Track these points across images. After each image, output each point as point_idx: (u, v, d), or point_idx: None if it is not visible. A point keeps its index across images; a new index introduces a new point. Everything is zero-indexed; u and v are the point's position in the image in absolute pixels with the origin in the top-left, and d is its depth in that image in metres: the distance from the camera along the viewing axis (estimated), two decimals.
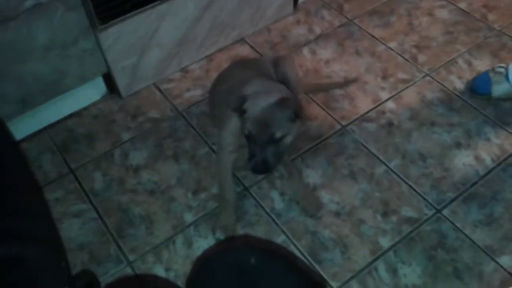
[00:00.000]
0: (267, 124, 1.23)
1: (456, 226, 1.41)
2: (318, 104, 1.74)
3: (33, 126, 1.71)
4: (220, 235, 1.43)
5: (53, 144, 1.69)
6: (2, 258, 0.69)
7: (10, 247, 0.71)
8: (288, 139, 1.28)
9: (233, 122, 1.37)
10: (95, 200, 1.53)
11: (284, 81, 1.49)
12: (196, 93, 1.82)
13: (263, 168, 1.26)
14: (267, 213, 1.48)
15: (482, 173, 1.53)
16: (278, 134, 1.24)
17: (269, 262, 0.76)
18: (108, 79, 1.77)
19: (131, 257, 1.40)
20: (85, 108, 1.79)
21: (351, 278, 1.34)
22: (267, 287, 0.71)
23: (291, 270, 0.78)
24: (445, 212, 1.45)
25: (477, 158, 1.57)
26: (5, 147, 0.94)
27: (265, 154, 1.24)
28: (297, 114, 1.25)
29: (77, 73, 1.64)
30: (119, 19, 1.60)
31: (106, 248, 1.42)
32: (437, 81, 1.80)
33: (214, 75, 1.85)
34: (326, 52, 1.93)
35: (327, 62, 1.89)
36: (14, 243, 0.72)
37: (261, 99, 1.25)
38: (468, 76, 1.80)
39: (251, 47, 1.96)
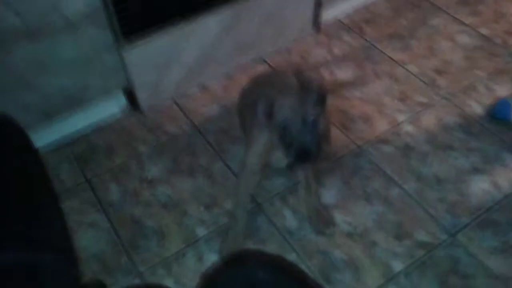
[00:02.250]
0: (297, 110, 1.20)
1: (470, 252, 1.39)
2: (334, 124, 1.75)
3: (53, 136, 1.76)
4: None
5: (72, 154, 1.73)
6: (16, 264, 0.71)
7: (24, 254, 0.73)
8: (321, 124, 1.24)
9: (260, 142, 1.36)
10: (109, 210, 1.56)
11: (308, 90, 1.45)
12: (214, 110, 1.85)
13: (305, 155, 1.19)
14: (278, 230, 1.48)
15: (498, 199, 1.50)
16: (310, 116, 1.19)
17: (278, 277, 0.75)
18: (129, 93, 1.81)
19: (142, 269, 1.41)
20: (105, 121, 1.83)
21: None
22: None
23: (301, 287, 0.78)
24: (459, 237, 1.42)
25: (494, 183, 1.54)
26: (25, 154, 0.96)
27: (304, 140, 1.19)
28: (322, 98, 1.23)
29: (100, 87, 1.69)
30: (143, 37, 1.65)
31: (117, 258, 1.44)
32: (456, 105, 1.78)
33: (233, 93, 1.88)
34: (344, 73, 1.94)
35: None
36: (27, 249, 0.74)
37: (286, 95, 1.23)
38: (487, 101, 1.78)
39: (270, 66, 1.99)
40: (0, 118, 0.94)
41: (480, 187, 1.53)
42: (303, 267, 1.39)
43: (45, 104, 1.61)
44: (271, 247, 1.43)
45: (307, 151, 1.19)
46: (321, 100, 1.23)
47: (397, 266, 1.38)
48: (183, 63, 1.81)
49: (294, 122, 1.20)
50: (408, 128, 1.73)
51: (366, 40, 2.08)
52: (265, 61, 2.01)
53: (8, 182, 0.84)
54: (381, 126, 1.74)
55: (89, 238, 1.48)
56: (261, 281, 0.74)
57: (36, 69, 1.53)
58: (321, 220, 1.47)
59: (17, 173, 0.89)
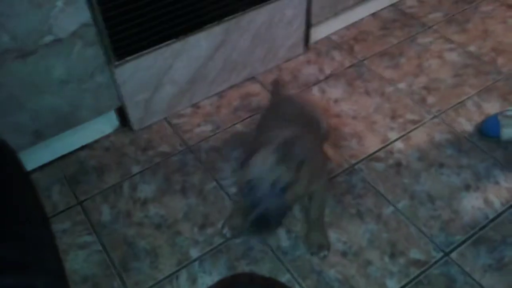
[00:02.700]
0: (270, 172, 1.10)
1: (464, 270, 1.39)
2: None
3: (45, 157, 1.74)
4: (227, 233, 1.50)
5: (63, 175, 1.71)
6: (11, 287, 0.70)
7: (17, 278, 0.72)
8: (297, 190, 1.15)
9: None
10: (101, 232, 1.54)
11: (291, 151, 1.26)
12: (206, 129, 1.84)
13: (261, 224, 1.08)
14: (272, 250, 1.47)
15: (491, 216, 1.51)
16: (282, 182, 1.10)
17: None
18: (121, 112, 1.81)
19: None
20: (97, 141, 1.82)
21: None
22: None
23: None
24: (453, 255, 1.43)
25: (486, 201, 1.55)
26: (16, 177, 0.95)
27: (266, 207, 1.07)
28: (303, 162, 1.13)
29: (92, 106, 1.68)
30: (134, 55, 1.65)
31: (109, 281, 1.42)
32: (446, 123, 1.80)
33: (224, 111, 1.89)
34: (335, 91, 1.96)
35: (336, 101, 1.92)
36: (21, 273, 0.73)
37: (265, 150, 1.15)
38: (477, 118, 1.81)
39: (262, 85, 2.00)
40: None
41: (473, 205, 1.54)
42: None
43: (37, 124, 1.59)
44: (265, 267, 1.42)
45: (265, 221, 1.09)
46: (301, 164, 1.14)
47: (393, 285, 1.37)
48: (175, 82, 1.82)
49: (262, 184, 1.10)
50: (400, 145, 1.74)
51: (356, 58, 2.10)
52: (257, 80, 2.02)
53: None
54: (373, 144, 1.75)
55: (80, 261, 1.46)
56: None
57: (27, 89, 1.52)
58: (318, 242, 1.46)
59: (7, 196, 0.88)
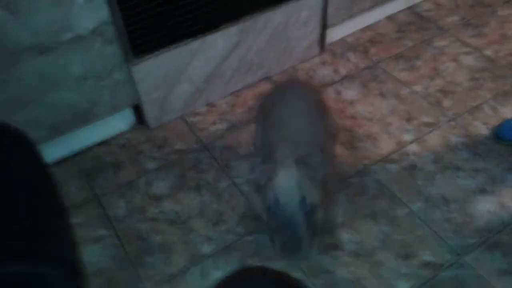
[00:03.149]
0: (295, 186, 1.07)
1: (478, 274, 1.38)
2: (340, 144, 1.76)
3: (62, 152, 1.77)
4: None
5: (80, 170, 1.74)
6: (26, 275, 0.71)
7: (33, 266, 0.73)
8: (319, 214, 1.14)
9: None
10: (116, 226, 1.56)
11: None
12: (222, 127, 1.86)
13: (293, 247, 1.02)
14: None
15: (506, 220, 1.50)
16: (311, 198, 1.06)
17: None
18: (138, 110, 1.83)
19: (148, 285, 1.41)
20: (113, 137, 1.85)
21: None
22: None
23: None
24: (467, 258, 1.42)
25: (502, 205, 1.54)
26: (36, 170, 0.97)
27: (296, 228, 1.03)
28: (325, 175, 1.11)
29: (109, 103, 1.71)
30: (152, 54, 1.67)
31: (123, 275, 1.44)
32: (462, 126, 1.79)
33: (239, 110, 1.90)
34: (351, 93, 1.96)
35: (351, 103, 1.92)
36: (37, 262, 0.74)
37: (289, 168, 1.10)
38: (494, 122, 1.79)
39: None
40: (11, 131, 0.95)
41: (487, 208, 1.53)
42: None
43: (54, 119, 1.62)
44: (277, 265, 1.43)
45: (297, 243, 1.03)
46: (325, 181, 1.12)
47: (404, 287, 1.37)
48: (191, 80, 1.83)
49: (291, 202, 1.05)
50: (415, 148, 1.73)
51: (372, 60, 2.10)
52: (272, 81, 2.03)
53: (18, 195, 0.85)
54: (388, 146, 1.75)
55: (95, 254, 1.48)
56: None
57: (46, 84, 1.54)
58: (330, 239, 1.46)
59: (26, 185, 0.89)
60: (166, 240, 1.52)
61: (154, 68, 1.70)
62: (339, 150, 1.74)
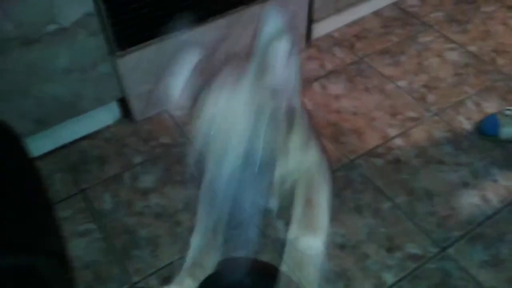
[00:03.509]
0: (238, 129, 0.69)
1: (460, 266, 1.41)
2: (325, 138, 1.77)
3: (47, 146, 1.75)
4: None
5: (65, 164, 1.72)
6: (14, 267, 0.71)
7: (21, 258, 0.73)
8: (287, 168, 0.80)
9: None
10: (102, 220, 1.55)
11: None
12: None
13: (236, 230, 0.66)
14: (272, 241, 1.48)
15: (488, 213, 1.53)
16: (258, 145, 0.68)
17: (261, 283, 0.77)
18: (123, 103, 1.82)
19: (135, 279, 1.41)
20: (99, 131, 1.83)
21: None
22: None
23: None
24: (450, 250, 1.45)
25: (484, 198, 1.57)
26: (23, 163, 0.97)
27: (237, 202, 0.67)
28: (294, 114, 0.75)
29: (94, 96, 1.69)
30: (137, 46, 1.66)
31: (110, 268, 1.43)
32: (445, 121, 1.82)
33: None
34: (336, 87, 1.97)
35: (336, 97, 1.93)
36: (25, 254, 0.75)
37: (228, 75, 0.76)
38: (476, 117, 1.82)
39: None
40: None
41: (470, 202, 1.56)
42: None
43: (39, 112, 1.60)
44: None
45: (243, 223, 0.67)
46: (292, 121, 0.76)
47: (389, 278, 1.39)
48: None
49: (226, 155, 0.67)
50: (399, 142, 1.76)
51: (357, 55, 2.12)
52: None
53: (2, 188, 0.85)
54: (373, 140, 1.77)
55: (81, 248, 1.48)
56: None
57: (31, 76, 1.52)
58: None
59: (12, 179, 0.89)
60: (153, 233, 1.52)
61: (139, 61, 1.69)
62: (324, 143, 1.75)
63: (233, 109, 0.71)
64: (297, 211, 0.90)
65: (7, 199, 0.84)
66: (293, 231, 0.85)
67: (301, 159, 0.98)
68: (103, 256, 1.46)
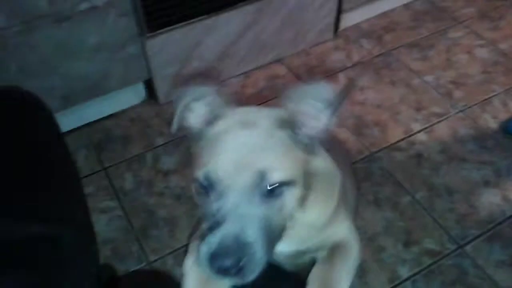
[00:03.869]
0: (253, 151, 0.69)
1: (477, 264, 1.40)
2: (348, 129, 1.76)
3: (73, 122, 1.78)
4: None
5: (90, 142, 1.76)
6: (42, 237, 0.74)
7: (49, 228, 0.76)
8: (290, 198, 0.71)
9: None
10: (123, 199, 1.58)
11: None
12: None
13: (235, 262, 0.64)
14: None
15: (508, 213, 1.51)
16: (275, 176, 0.68)
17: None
18: (149, 85, 1.84)
19: (152, 258, 1.44)
20: (124, 111, 1.86)
21: None
22: None
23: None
24: (467, 248, 1.44)
25: (505, 198, 1.55)
26: (53, 137, 0.99)
27: (240, 225, 0.66)
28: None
29: (121, 76, 1.71)
30: (166, 29, 1.67)
31: (128, 246, 1.46)
32: (471, 118, 1.79)
33: (250, 91, 1.90)
34: (362, 79, 1.96)
35: (361, 89, 1.92)
36: (53, 224, 0.77)
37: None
38: (503, 116, 1.79)
39: (288, 68, 2.01)
40: (28, 97, 0.97)
41: (491, 201, 1.54)
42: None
43: (67, 89, 1.63)
44: None
45: (244, 256, 0.65)
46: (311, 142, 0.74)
47: (404, 272, 1.39)
48: (202, 57, 1.84)
49: (236, 176, 0.68)
50: (422, 137, 1.74)
51: (385, 48, 2.09)
52: (284, 63, 2.03)
53: (36, 160, 0.87)
54: (395, 134, 1.76)
55: (102, 224, 1.51)
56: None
57: (61, 54, 1.55)
58: None
59: (43, 151, 0.91)
60: (171, 214, 1.54)
61: (166, 44, 1.70)
62: (346, 135, 1.74)
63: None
64: None
65: (37, 170, 0.86)
66: None
67: (325, 232, 0.86)
68: (122, 234, 1.49)
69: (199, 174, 0.70)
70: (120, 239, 1.48)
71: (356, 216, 1.13)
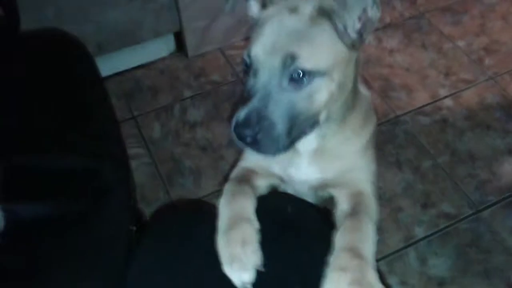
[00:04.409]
0: (286, 35, 0.73)
1: (492, 229, 1.42)
2: (375, 91, 1.77)
3: (103, 71, 1.79)
4: None
5: (120, 90, 1.80)
6: (83, 169, 0.79)
7: (89, 161, 0.81)
8: (320, 88, 0.74)
9: None
10: (151, 147, 1.64)
11: None
12: None
13: (252, 132, 0.71)
14: None
15: None
16: (306, 62, 0.72)
17: (305, 211, 0.81)
18: (179, 37, 1.86)
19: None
20: (153, 62, 1.90)
21: (381, 259, 1.38)
22: (304, 234, 0.77)
23: (326, 221, 0.83)
24: (484, 214, 1.46)
25: None
26: (94, 78, 1.03)
27: (265, 103, 0.72)
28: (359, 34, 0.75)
29: (152, 27, 1.74)
30: None
31: (156, 191, 1.53)
32: (500, 86, 1.78)
33: None
34: (392, 41, 1.94)
35: (391, 51, 1.91)
36: (93, 158, 0.82)
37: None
38: None
39: None
40: (71, 39, 1.01)
41: None
42: None
43: (101, 37, 1.67)
44: None
45: (262, 129, 0.71)
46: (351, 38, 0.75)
47: (420, 232, 1.43)
48: (234, 12, 1.83)
49: (269, 58, 0.73)
50: (449, 103, 1.74)
51: (418, 10, 2.06)
52: None
53: (76, 97, 0.92)
54: (422, 98, 1.76)
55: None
56: (288, 215, 0.79)
57: (95, 2, 1.58)
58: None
59: (84, 90, 0.96)
60: (197, 164, 1.60)
61: None
62: (373, 97, 1.75)
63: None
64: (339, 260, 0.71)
65: (80, 107, 0.91)
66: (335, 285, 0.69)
67: (349, 166, 0.90)
68: (150, 180, 1.56)
69: (244, 53, 0.76)
70: (148, 184, 1.55)
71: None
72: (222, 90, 1.80)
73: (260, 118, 0.71)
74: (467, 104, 1.73)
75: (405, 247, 1.40)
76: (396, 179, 1.55)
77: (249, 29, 0.88)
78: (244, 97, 0.74)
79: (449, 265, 1.36)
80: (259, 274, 0.69)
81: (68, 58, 0.94)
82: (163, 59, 1.91)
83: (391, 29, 1.99)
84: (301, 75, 0.72)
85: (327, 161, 0.89)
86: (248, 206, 0.78)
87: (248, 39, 1.79)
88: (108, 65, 1.81)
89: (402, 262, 1.37)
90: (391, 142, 1.64)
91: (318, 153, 0.87)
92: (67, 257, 0.72)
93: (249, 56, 0.75)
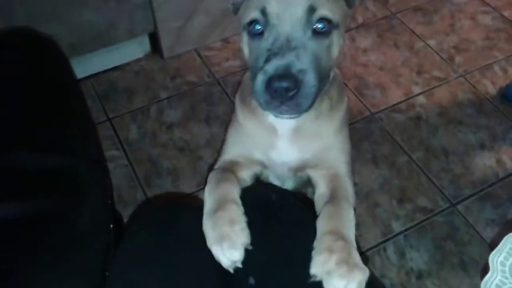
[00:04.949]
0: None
1: (468, 222, 1.46)
2: (350, 89, 1.79)
3: (78, 73, 1.77)
4: None
5: (95, 92, 1.78)
6: (59, 168, 0.78)
7: (66, 160, 0.80)
8: (337, 39, 0.76)
9: None
10: (128, 149, 1.62)
11: None
12: (235, 64, 1.88)
13: (294, 85, 0.69)
14: None
15: (501, 175, 1.56)
16: (324, 12, 0.73)
17: (288, 199, 0.82)
18: (153, 38, 1.85)
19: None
20: (128, 64, 1.88)
21: (360, 254, 1.39)
22: (290, 222, 0.78)
23: (307, 208, 0.84)
24: (459, 207, 1.49)
25: (499, 161, 1.60)
26: (70, 78, 1.02)
27: (295, 53, 0.70)
28: None
29: (127, 27, 1.72)
30: None
31: (133, 193, 1.51)
32: (471, 83, 1.82)
33: None
34: (365, 41, 1.97)
35: (364, 51, 1.94)
36: (69, 157, 0.81)
37: None
38: (502, 82, 1.82)
39: None
40: (45, 38, 0.99)
41: (485, 163, 1.59)
42: None
43: (74, 38, 1.64)
44: None
45: (293, 81, 0.69)
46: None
47: (397, 227, 1.45)
48: (209, 12, 1.84)
49: (288, 8, 0.73)
50: (422, 100, 1.77)
51: (390, 10, 2.10)
52: None
53: (52, 97, 0.91)
54: (396, 96, 1.79)
55: None
56: (272, 203, 0.81)
57: (67, 1, 1.56)
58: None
59: (60, 89, 0.95)
60: (175, 165, 1.58)
61: None
62: (348, 95, 1.77)
63: None
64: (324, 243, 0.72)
65: (55, 107, 0.90)
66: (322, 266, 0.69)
67: (327, 146, 0.92)
68: (127, 181, 1.54)
69: (255, 12, 0.74)
70: (125, 186, 1.53)
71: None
72: (199, 91, 1.80)
73: (294, 70, 0.69)
74: (439, 101, 1.77)
75: (383, 241, 1.42)
76: (372, 175, 1.57)
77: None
78: (262, 59, 0.72)
79: (427, 258, 1.39)
80: (246, 260, 0.70)
81: (42, 58, 0.92)
82: (138, 60, 1.89)
83: (364, 29, 2.02)
84: (321, 28, 0.73)
85: (306, 141, 0.90)
86: (233, 190, 0.79)
87: (224, 40, 1.81)
88: (83, 67, 1.79)
89: (380, 256, 1.39)
90: (367, 139, 1.66)
91: (297, 133, 0.89)
92: (44, 256, 0.71)
93: (263, 12, 0.73)
